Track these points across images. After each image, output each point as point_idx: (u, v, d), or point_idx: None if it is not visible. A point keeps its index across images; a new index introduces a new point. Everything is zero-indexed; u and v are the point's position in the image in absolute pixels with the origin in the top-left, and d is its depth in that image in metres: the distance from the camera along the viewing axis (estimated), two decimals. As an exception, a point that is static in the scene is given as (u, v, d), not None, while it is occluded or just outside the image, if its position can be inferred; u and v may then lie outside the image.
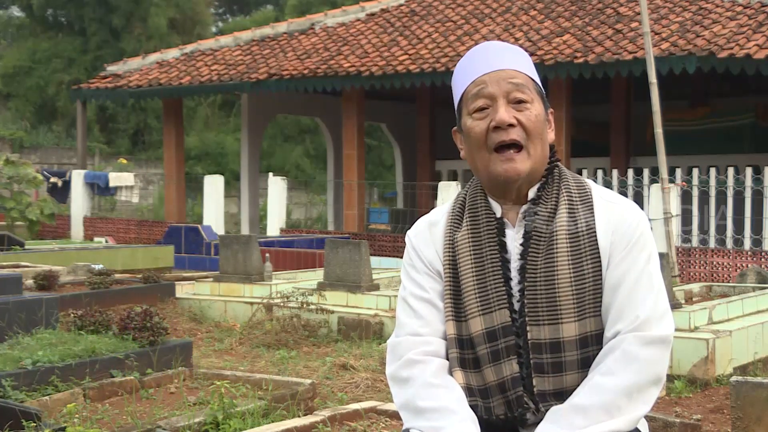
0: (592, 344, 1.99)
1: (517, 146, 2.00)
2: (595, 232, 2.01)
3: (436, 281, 2.10)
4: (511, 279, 2.03)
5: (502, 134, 2.00)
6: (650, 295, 1.98)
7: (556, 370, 1.99)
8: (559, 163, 2.11)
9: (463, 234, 2.09)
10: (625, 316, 1.96)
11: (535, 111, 2.02)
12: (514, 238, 2.06)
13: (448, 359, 2.07)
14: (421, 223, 2.19)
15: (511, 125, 1.99)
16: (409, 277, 2.14)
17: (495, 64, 2.04)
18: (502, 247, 2.05)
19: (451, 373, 2.06)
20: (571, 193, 2.06)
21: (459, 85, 2.09)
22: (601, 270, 2.00)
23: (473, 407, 2.02)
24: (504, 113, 1.99)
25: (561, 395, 1.98)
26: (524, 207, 2.06)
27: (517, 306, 2.02)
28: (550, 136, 2.09)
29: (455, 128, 2.14)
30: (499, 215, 2.07)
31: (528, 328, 2.00)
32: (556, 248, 2.00)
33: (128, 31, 29.13)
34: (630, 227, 2.01)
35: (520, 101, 2.01)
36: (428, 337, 2.07)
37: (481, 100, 2.03)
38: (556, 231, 2.01)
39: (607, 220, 2.02)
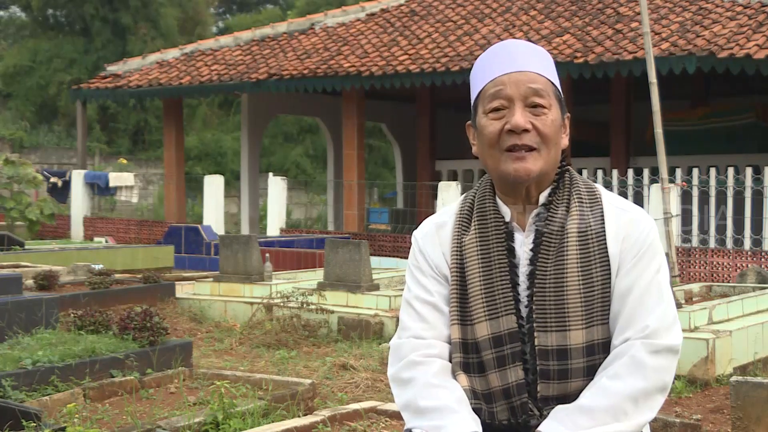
0: (598, 352, 1.99)
1: (529, 148, 1.99)
2: (604, 237, 2.00)
3: (441, 285, 2.09)
4: (518, 284, 2.02)
5: (515, 138, 1.98)
6: (659, 304, 1.97)
7: (562, 377, 1.98)
8: (569, 167, 2.10)
9: (471, 237, 2.07)
10: (633, 325, 1.96)
11: (551, 116, 2.00)
12: (523, 243, 2.04)
13: (451, 362, 2.07)
14: (429, 224, 2.17)
15: (525, 130, 1.98)
16: (415, 279, 2.12)
17: (516, 65, 2.01)
18: (511, 252, 2.04)
19: (454, 376, 2.05)
20: (581, 198, 2.05)
21: (478, 81, 2.07)
22: (609, 277, 1.99)
23: (476, 411, 2.02)
24: (520, 117, 1.97)
25: (564, 401, 1.98)
26: (535, 211, 2.04)
27: (524, 312, 2.01)
28: (564, 141, 2.06)
29: (469, 122, 2.12)
30: (507, 219, 2.06)
31: (535, 334, 1.99)
32: (566, 254, 1.99)
33: (133, 32, 29.14)
34: (641, 235, 2.00)
35: (538, 105, 1.99)
36: (431, 340, 2.06)
37: (497, 101, 2.01)
38: (566, 235, 2.00)
39: (617, 227, 2.01)
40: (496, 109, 2.01)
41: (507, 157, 1.99)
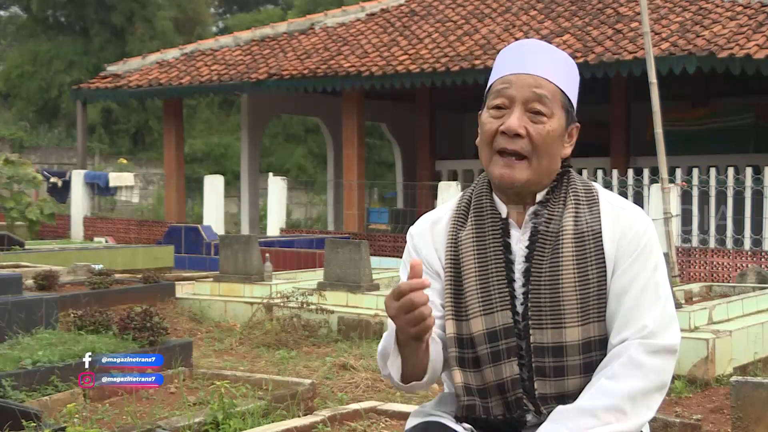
0: (595, 349, 1.99)
1: (519, 155, 1.99)
2: (600, 236, 2.00)
3: (434, 280, 2.09)
4: (514, 281, 2.02)
5: (507, 141, 1.98)
6: (657, 304, 1.97)
7: (558, 374, 1.98)
8: (571, 168, 2.10)
9: (467, 233, 2.07)
10: (631, 325, 1.95)
11: (549, 126, 1.98)
12: (519, 240, 2.04)
13: (443, 356, 2.05)
14: (424, 221, 2.18)
15: (518, 135, 1.97)
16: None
17: (527, 67, 2.01)
18: (507, 248, 2.04)
19: (449, 372, 2.06)
20: (578, 196, 2.05)
21: (493, 74, 2.08)
22: (605, 275, 1.99)
23: (471, 406, 2.02)
24: (515, 120, 1.97)
25: (563, 399, 1.98)
26: (532, 209, 2.04)
27: (520, 308, 2.01)
28: (566, 151, 2.06)
29: (480, 111, 2.11)
30: (504, 215, 2.06)
31: (531, 331, 1.99)
32: (562, 251, 1.99)
33: (131, 32, 29.15)
34: (637, 234, 2.00)
35: (538, 112, 1.98)
36: None
37: (500, 99, 2.01)
38: (562, 232, 2.00)
39: (614, 226, 2.01)
40: (497, 107, 2.01)
41: (497, 160, 2.00)
